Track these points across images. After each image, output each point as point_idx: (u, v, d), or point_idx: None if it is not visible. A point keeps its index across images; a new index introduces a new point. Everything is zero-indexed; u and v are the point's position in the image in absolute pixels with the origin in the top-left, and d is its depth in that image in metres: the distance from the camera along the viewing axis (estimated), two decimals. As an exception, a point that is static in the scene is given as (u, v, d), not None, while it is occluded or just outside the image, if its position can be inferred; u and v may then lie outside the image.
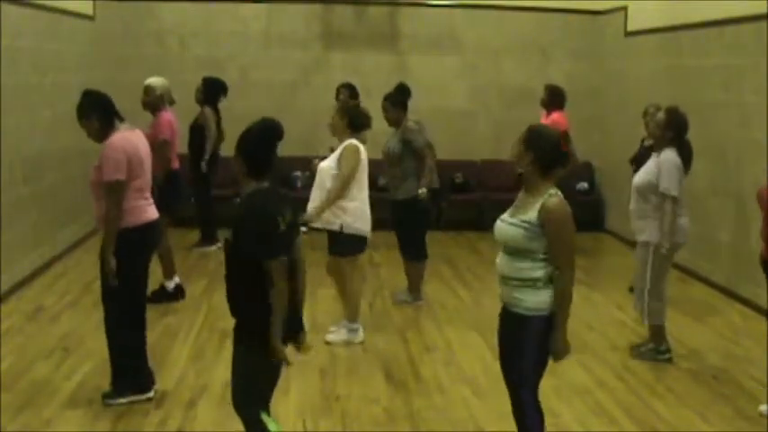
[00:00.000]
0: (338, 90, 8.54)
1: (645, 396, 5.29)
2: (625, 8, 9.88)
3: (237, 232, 3.51)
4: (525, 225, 3.58)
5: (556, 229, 3.57)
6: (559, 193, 3.63)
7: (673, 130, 5.65)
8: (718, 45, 7.87)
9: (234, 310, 3.65)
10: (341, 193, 5.84)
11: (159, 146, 6.82)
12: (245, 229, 3.49)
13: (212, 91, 8.43)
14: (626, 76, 9.96)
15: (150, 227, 4.83)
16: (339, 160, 5.88)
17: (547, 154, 3.60)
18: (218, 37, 10.20)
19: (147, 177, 4.83)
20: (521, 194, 3.74)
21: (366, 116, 6.11)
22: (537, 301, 3.62)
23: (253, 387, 3.70)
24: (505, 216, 3.73)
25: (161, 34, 10.16)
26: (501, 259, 3.74)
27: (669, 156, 5.61)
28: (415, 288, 7.05)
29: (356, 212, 5.92)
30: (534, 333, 3.64)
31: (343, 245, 5.97)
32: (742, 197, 7.44)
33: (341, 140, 6.03)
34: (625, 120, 9.90)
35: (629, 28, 9.81)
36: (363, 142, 6.04)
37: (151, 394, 4.86)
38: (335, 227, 5.90)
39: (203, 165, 8.34)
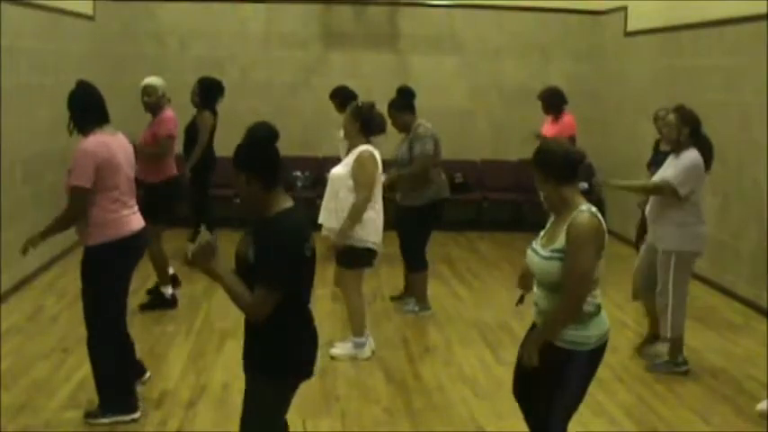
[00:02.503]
0: (330, 98, 8.39)
1: (645, 396, 5.29)
2: (625, 8, 9.88)
3: (263, 256, 3.09)
4: (558, 255, 3.33)
5: (571, 247, 3.29)
6: (592, 209, 3.35)
7: (688, 126, 5.47)
8: (718, 45, 7.87)
9: (254, 339, 3.26)
10: (365, 206, 5.51)
11: (164, 143, 6.71)
12: (273, 254, 3.08)
13: (210, 93, 8.10)
14: (626, 76, 9.96)
15: (133, 238, 4.55)
16: (354, 170, 5.51)
17: (557, 167, 3.37)
18: (218, 37, 10.20)
19: (126, 186, 4.55)
20: (552, 217, 3.52)
21: (380, 119, 5.75)
22: (580, 335, 3.37)
23: (270, 422, 3.39)
24: (537, 245, 3.48)
25: (161, 34, 10.16)
26: (539, 292, 3.48)
27: (690, 155, 5.43)
28: (421, 298, 6.87)
29: (369, 224, 5.57)
30: (575, 370, 3.41)
31: (351, 257, 5.66)
32: (742, 197, 7.44)
33: (353, 146, 5.65)
34: (625, 120, 9.91)
35: (629, 28, 9.81)
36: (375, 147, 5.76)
37: (137, 415, 4.63)
38: (345, 240, 5.58)
39: (186, 174, 7.83)
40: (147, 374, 5.11)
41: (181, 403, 4.92)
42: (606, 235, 3.40)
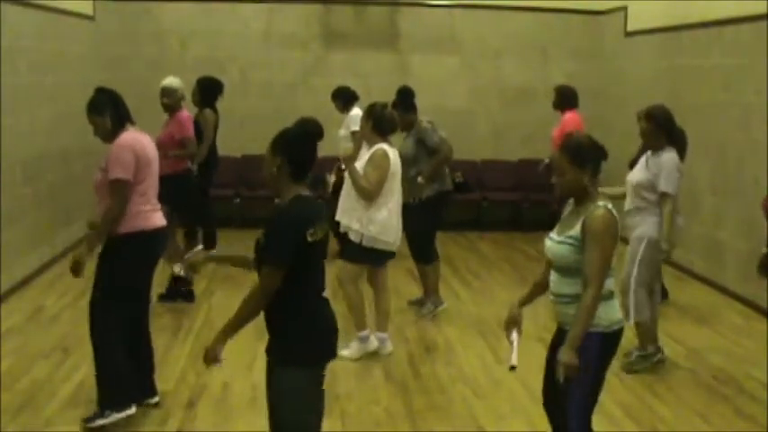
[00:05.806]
0: (332, 98, 8.43)
1: (645, 396, 5.29)
2: (625, 8, 9.88)
3: (267, 237, 3.26)
4: (571, 241, 3.49)
5: (590, 241, 3.44)
6: (609, 205, 3.51)
7: (665, 130, 5.55)
8: (718, 45, 7.87)
9: (272, 328, 3.35)
10: (368, 204, 5.56)
11: (190, 145, 7.09)
12: (275, 234, 3.24)
13: (209, 92, 8.15)
14: (626, 76, 9.96)
15: (155, 234, 4.59)
16: (366, 168, 5.58)
17: (586, 157, 3.55)
18: (218, 37, 10.20)
19: (153, 182, 4.63)
20: (568, 207, 3.67)
21: (392, 120, 5.81)
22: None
23: (306, 418, 3.43)
24: (553, 234, 3.64)
25: (161, 34, 10.16)
26: (554, 277, 3.64)
27: (670, 155, 5.51)
28: (433, 292, 6.87)
29: (384, 223, 5.60)
30: (592, 353, 3.47)
31: (357, 253, 5.66)
32: (742, 197, 7.44)
33: (369, 145, 5.74)
34: (625, 120, 9.87)
35: (629, 28, 9.81)
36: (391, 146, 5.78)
37: (132, 411, 4.53)
38: (355, 237, 5.62)
39: (194, 169, 7.78)
40: (156, 399, 4.86)
41: (181, 403, 4.92)
42: (619, 229, 3.54)
